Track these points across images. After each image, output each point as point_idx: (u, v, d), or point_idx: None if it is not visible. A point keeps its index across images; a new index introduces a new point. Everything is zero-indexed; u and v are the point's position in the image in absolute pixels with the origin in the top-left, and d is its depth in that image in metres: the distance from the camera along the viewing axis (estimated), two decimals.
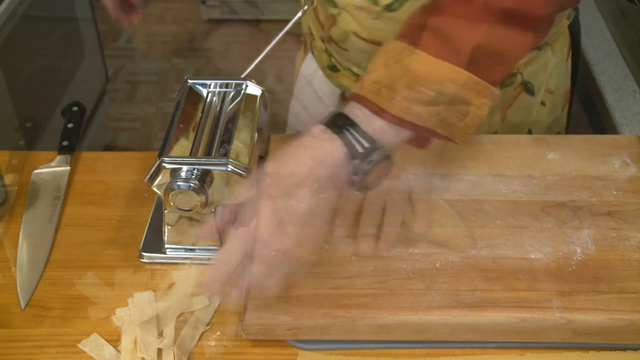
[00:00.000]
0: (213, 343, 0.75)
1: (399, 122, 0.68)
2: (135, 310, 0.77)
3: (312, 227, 0.69)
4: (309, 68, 1.12)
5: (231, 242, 0.69)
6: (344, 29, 0.95)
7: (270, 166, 0.69)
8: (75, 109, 1.08)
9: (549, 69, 1.03)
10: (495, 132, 1.05)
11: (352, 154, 0.68)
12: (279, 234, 0.68)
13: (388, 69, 0.69)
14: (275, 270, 0.69)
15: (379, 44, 0.92)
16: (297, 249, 0.69)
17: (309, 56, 1.12)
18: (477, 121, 0.69)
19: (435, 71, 0.67)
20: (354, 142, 0.67)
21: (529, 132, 1.08)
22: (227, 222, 0.74)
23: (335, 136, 0.68)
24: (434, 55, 0.68)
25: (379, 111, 0.68)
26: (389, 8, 0.88)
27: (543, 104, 1.06)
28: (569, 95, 1.11)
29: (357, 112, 0.69)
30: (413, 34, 0.70)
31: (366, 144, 0.67)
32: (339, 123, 0.68)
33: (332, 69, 1.06)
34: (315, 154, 0.68)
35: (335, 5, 0.94)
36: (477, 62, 0.68)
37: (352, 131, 0.68)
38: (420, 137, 0.72)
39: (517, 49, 0.72)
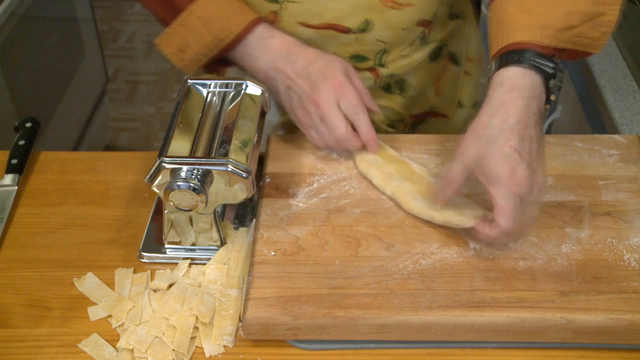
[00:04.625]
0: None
1: (553, 51, 0.79)
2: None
3: (542, 157, 0.77)
4: None
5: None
6: (288, 22, 0.94)
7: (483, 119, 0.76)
8: (28, 125, 1.01)
9: (466, 37, 1.08)
10: (431, 108, 1.09)
11: (546, 76, 0.78)
12: (531, 175, 0.74)
13: (525, 12, 0.79)
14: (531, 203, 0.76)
15: (329, 26, 0.93)
16: (540, 179, 0.76)
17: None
18: (610, 27, 0.81)
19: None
20: (542, 67, 0.77)
21: (459, 103, 1.12)
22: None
23: (529, 70, 0.77)
24: None
25: (540, 48, 0.78)
26: None
27: (467, 72, 1.10)
28: (483, 62, 1.16)
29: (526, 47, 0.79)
30: None
31: (550, 64, 0.78)
32: (520, 59, 0.78)
33: None
34: (523, 93, 0.76)
35: (276, 0, 0.92)
36: None
37: (536, 59, 0.78)
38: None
39: None
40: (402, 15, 0.94)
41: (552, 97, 0.80)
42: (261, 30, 0.90)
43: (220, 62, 0.94)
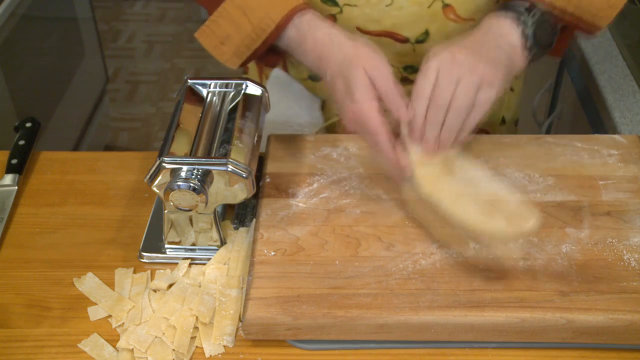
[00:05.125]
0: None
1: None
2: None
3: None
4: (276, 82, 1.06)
5: None
6: (345, 26, 0.93)
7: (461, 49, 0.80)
8: (28, 125, 1.01)
9: None
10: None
11: (518, 15, 0.83)
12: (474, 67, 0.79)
13: None
14: None
15: (387, 34, 0.92)
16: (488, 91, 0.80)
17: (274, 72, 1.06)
18: (621, 1, 0.86)
19: None
20: (518, 8, 0.83)
21: (503, 119, 1.11)
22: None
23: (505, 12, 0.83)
24: None
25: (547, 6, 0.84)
26: None
27: (511, 89, 1.09)
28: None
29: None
30: None
31: (525, 5, 0.83)
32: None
33: (314, 79, 1.04)
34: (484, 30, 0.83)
35: (336, 3, 0.92)
36: None
37: (515, 3, 0.84)
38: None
39: None
40: (462, 30, 0.92)
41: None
42: (298, 23, 0.86)
43: (272, 53, 0.90)
